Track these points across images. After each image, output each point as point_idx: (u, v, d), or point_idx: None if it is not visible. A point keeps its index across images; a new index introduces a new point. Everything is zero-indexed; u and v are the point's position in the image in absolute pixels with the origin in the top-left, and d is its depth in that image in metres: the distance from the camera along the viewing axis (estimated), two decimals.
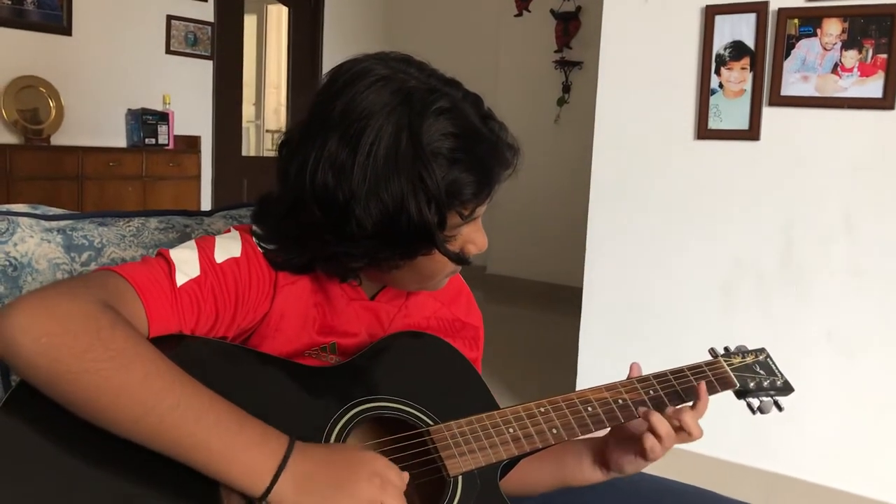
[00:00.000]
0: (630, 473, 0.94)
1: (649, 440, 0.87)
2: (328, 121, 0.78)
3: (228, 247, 0.82)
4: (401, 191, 0.75)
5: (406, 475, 0.73)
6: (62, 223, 0.97)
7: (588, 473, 0.96)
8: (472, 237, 0.85)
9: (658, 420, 0.87)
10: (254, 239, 0.85)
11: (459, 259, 0.84)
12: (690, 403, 0.92)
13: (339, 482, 0.68)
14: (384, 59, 0.81)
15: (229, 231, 0.87)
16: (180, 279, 0.76)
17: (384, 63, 0.80)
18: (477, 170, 0.78)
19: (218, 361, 0.78)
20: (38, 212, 0.98)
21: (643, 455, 0.89)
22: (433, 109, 0.77)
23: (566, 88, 4.96)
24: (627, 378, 0.95)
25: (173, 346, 0.74)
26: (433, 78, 0.81)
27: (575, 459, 0.97)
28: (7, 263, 0.90)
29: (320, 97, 0.80)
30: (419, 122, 0.76)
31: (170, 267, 0.77)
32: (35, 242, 0.93)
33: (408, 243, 0.79)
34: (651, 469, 0.97)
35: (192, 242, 0.82)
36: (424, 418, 0.83)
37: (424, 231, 0.77)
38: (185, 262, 0.78)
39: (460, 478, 0.79)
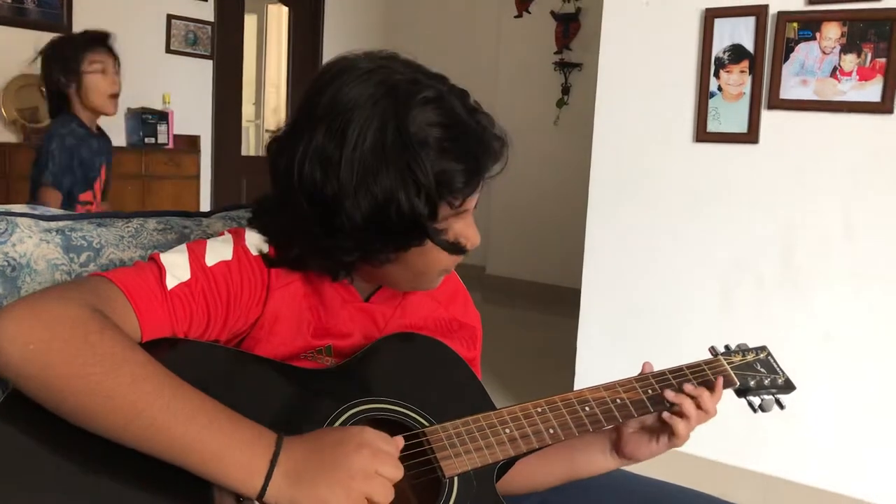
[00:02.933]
0: (644, 460, 0.95)
1: (680, 425, 0.90)
2: (314, 115, 0.78)
3: (220, 250, 0.82)
4: (390, 182, 0.75)
5: (400, 439, 0.73)
6: (61, 224, 0.97)
7: (600, 462, 0.97)
8: (464, 232, 0.84)
9: (688, 403, 0.90)
10: (247, 241, 0.85)
11: (455, 248, 0.83)
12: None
13: (329, 464, 0.67)
14: (370, 55, 0.82)
15: (223, 234, 0.87)
16: (171, 283, 0.76)
17: (370, 59, 0.81)
18: (466, 159, 0.78)
19: (212, 365, 0.78)
20: (36, 212, 0.98)
21: (670, 440, 0.92)
22: (419, 99, 0.77)
23: (566, 90, 4.96)
24: (637, 375, 0.95)
25: (166, 350, 0.74)
26: (419, 72, 0.81)
27: (584, 452, 0.97)
28: (6, 264, 0.90)
29: (307, 94, 0.81)
30: (405, 112, 0.76)
31: (160, 271, 0.77)
32: (34, 243, 0.93)
33: (399, 235, 0.79)
34: (648, 471, 0.97)
35: (183, 246, 0.82)
36: (420, 419, 0.83)
37: (415, 222, 0.77)
38: (176, 266, 0.78)
39: (456, 479, 0.79)
